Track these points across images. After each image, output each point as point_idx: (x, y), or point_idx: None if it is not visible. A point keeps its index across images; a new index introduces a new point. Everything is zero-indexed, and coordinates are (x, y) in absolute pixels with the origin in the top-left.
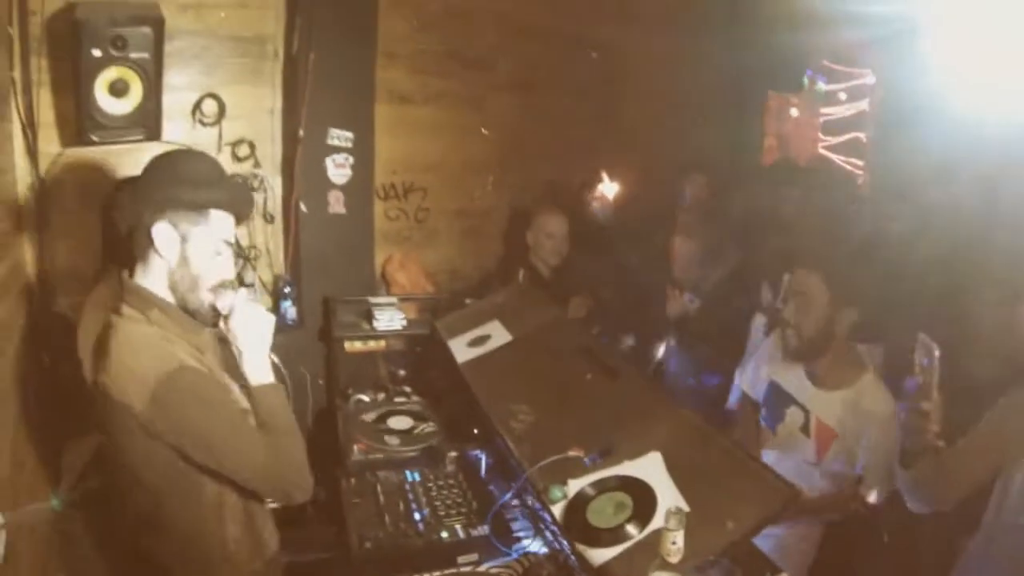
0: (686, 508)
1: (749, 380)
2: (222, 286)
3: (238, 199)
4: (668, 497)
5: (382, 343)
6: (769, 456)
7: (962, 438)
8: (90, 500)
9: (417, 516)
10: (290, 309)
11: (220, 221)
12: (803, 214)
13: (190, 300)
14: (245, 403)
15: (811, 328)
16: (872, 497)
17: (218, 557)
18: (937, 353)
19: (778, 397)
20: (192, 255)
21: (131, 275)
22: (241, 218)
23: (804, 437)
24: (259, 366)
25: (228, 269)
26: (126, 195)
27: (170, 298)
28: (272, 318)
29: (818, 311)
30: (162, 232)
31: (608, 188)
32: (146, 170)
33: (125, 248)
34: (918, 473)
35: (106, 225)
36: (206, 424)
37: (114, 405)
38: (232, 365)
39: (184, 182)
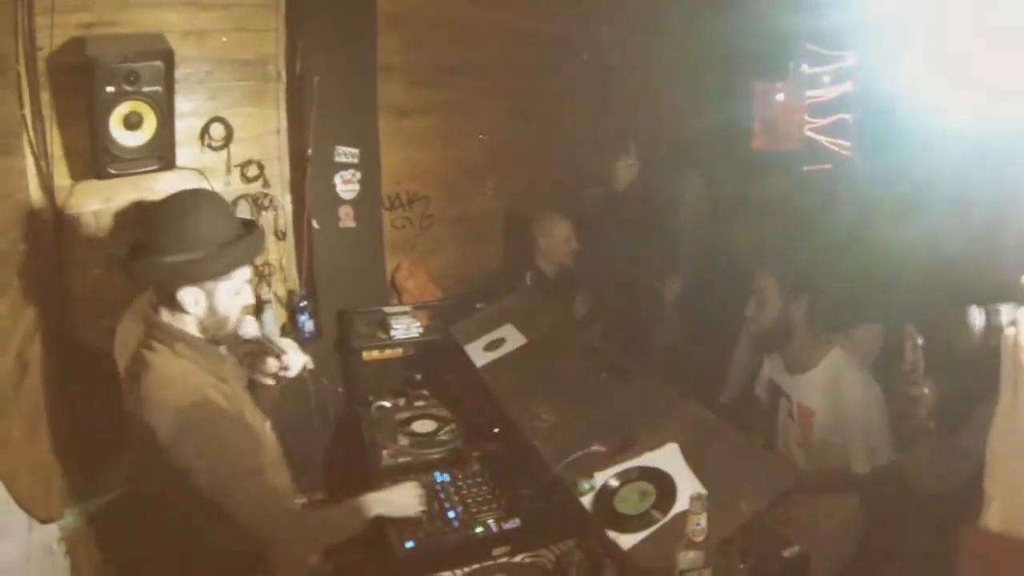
0: (705, 493)
1: (760, 383)
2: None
3: (256, 248)
4: (687, 484)
5: (399, 350)
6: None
7: (961, 431)
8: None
9: (451, 514)
10: (307, 322)
11: (241, 272)
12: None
13: (220, 336)
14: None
15: (767, 320)
16: (856, 466)
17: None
18: (920, 342)
19: (773, 392)
20: (218, 304)
21: (156, 311)
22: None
23: (791, 422)
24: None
25: (249, 296)
26: (143, 263)
27: (198, 334)
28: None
29: (772, 307)
30: (188, 295)
31: (632, 158)
32: (160, 230)
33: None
34: (916, 457)
35: None
36: (214, 459)
37: (145, 430)
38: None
39: (204, 247)
